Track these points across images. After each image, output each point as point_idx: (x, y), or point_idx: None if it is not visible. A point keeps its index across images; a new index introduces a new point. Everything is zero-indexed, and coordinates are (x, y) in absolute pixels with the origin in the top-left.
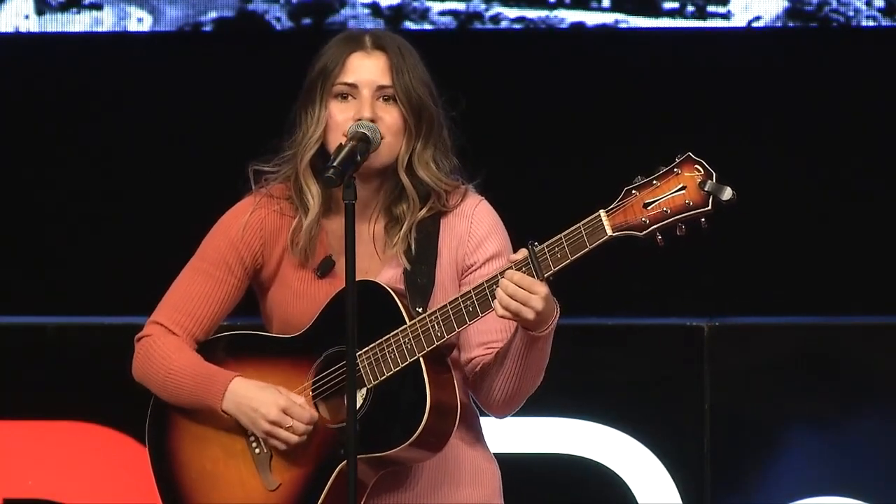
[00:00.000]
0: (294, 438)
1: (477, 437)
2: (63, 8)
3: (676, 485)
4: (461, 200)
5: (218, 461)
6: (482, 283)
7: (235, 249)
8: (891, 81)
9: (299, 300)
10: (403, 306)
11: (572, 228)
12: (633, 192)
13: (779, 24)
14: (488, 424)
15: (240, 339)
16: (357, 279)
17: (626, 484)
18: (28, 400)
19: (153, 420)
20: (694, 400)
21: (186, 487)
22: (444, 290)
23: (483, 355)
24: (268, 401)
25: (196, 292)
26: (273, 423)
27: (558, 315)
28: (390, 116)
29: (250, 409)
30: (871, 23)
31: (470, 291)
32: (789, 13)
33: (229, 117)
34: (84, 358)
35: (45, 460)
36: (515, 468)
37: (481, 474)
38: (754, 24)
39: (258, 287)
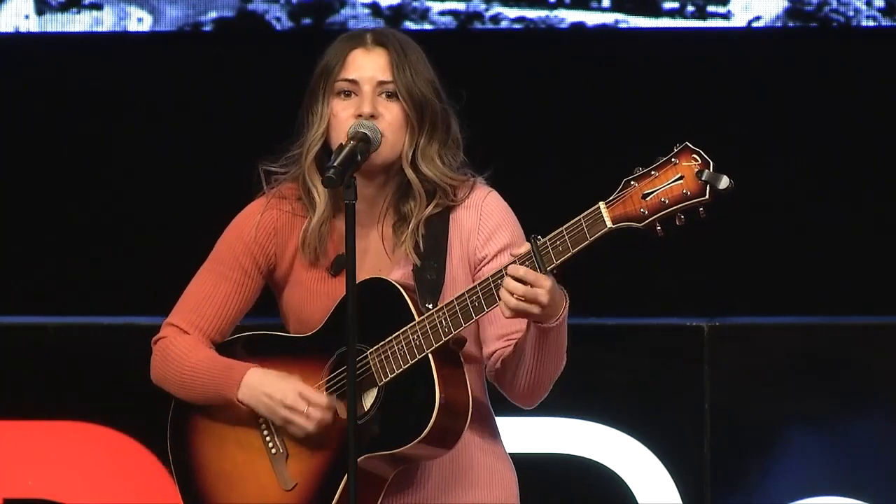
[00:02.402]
0: (310, 425)
1: (493, 437)
2: (63, 8)
3: (676, 485)
4: (469, 193)
5: (235, 461)
6: (487, 278)
7: (249, 250)
8: (891, 81)
9: (313, 299)
10: (412, 302)
11: (573, 221)
12: (632, 183)
13: (779, 24)
14: None
15: (256, 339)
16: (367, 277)
17: (626, 484)
18: (28, 400)
19: (174, 422)
20: (694, 400)
21: (205, 487)
22: (456, 285)
23: (503, 347)
24: (284, 387)
25: (210, 294)
26: (289, 407)
27: (568, 303)
28: (391, 113)
29: (266, 396)
30: (871, 23)
31: (476, 286)
32: (789, 13)
33: (229, 117)
34: (84, 358)
35: (45, 460)
36: (516, 468)
37: (496, 476)
38: (754, 24)
39: (274, 286)
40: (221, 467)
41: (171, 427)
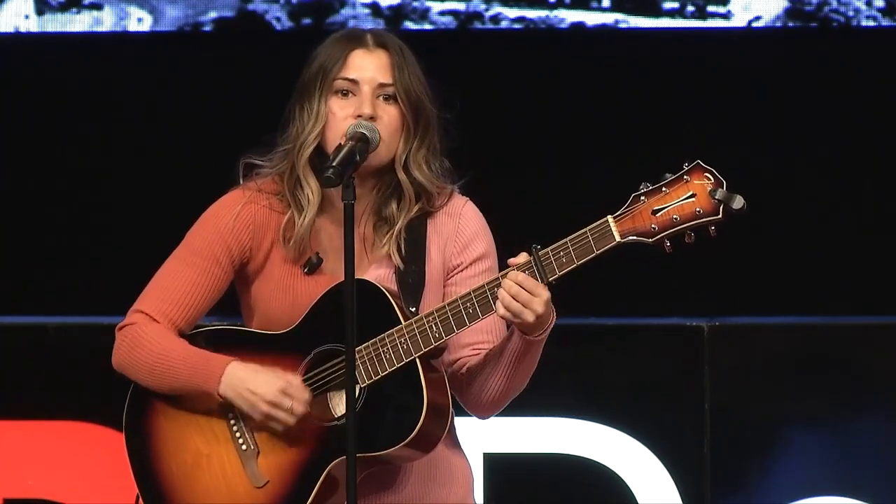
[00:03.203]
0: (292, 420)
1: (455, 437)
2: (63, 8)
3: (676, 485)
4: (448, 200)
5: (200, 455)
6: (483, 285)
7: (224, 241)
8: (891, 81)
9: (284, 296)
10: (398, 306)
11: (578, 233)
12: (642, 198)
13: (779, 24)
14: (489, 424)
15: (222, 333)
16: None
17: (626, 484)
18: (28, 400)
19: (131, 411)
20: (694, 400)
21: (166, 481)
22: (434, 290)
23: (469, 356)
24: (265, 382)
25: (181, 282)
26: (271, 403)
27: (554, 320)
28: (388, 115)
29: (248, 392)
30: (871, 23)
31: (470, 293)
32: (789, 13)
33: (229, 117)
34: (84, 358)
35: (45, 460)
36: (515, 468)
37: (460, 474)
38: (754, 24)
39: (241, 281)
40: (183, 460)
41: (128, 414)
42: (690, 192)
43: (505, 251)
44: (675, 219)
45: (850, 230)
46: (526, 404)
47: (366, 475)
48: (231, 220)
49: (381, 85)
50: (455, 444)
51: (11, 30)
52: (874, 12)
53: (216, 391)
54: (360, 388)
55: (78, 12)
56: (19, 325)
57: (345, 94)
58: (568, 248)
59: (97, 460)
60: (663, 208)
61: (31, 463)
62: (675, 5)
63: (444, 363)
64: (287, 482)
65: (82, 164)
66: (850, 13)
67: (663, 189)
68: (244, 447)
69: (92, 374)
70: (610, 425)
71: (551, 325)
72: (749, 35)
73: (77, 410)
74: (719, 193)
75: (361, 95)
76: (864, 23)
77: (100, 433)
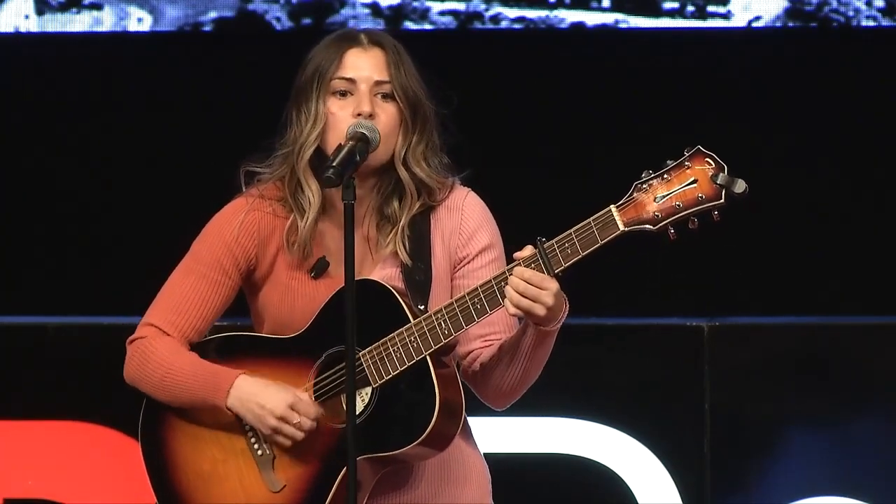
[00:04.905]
0: (300, 435)
1: (469, 435)
2: (63, 8)
3: (676, 485)
4: (449, 193)
5: (216, 462)
6: (490, 280)
7: (230, 251)
8: (891, 81)
9: (293, 301)
10: (406, 304)
11: (582, 224)
12: (644, 186)
13: (779, 24)
14: (488, 424)
15: (233, 339)
16: (357, 278)
17: (626, 484)
18: (28, 400)
19: (146, 420)
20: (694, 400)
21: (183, 489)
22: (441, 285)
23: (481, 348)
24: (275, 397)
25: (190, 294)
26: (280, 418)
27: (567, 309)
28: (386, 113)
29: (256, 406)
30: (871, 23)
31: (477, 288)
32: (789, 13)
33: (229, 117)
34: (84, 358)
35: (45, 460)
36: (515, 468)
37: (476, 473)
38: (754, 24)
39: (249, 287)
40: (201, 468)
41: (144, 424)
42: (692, 178)
43: (508, 248)
44: (678, 205)
45: (850, 230)
46: (526, 404)
47: (383, 475)
48: (236, 229)
49: (378, 83)
50: (470, 442)
51: (11, 30)
52: (874, 12)
53: (224, 405)
54: (373, 389)
55: (78, 12)
56: (19, 325)
57: (343, 94)
58: (573, 239)
59: (97, 460)
60: (666, 195)
61: (31, 463)
62: (675, 5)
63: (455, 356)
64: (304, 486)
65: (82, 164)
66: (850, 13)
67: (665, 176)
68: (260, 453)
69: (92, 374)
70: (610, 425)
71: (565, 315)
72: (749, 35)
73: (77, 410)
74: (721, 178)
75: (359, 94)
76: (864, 23)
77: (100, 433)
